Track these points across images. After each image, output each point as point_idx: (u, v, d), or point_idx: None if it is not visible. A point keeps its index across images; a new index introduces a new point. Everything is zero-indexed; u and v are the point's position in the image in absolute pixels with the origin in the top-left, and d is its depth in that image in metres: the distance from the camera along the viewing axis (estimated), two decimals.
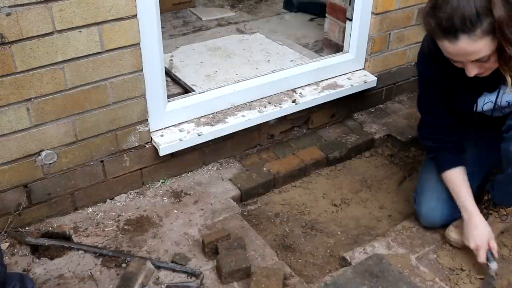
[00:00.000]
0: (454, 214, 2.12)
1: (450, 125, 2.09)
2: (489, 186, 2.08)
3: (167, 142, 2.27)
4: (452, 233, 2.09)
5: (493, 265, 1.93)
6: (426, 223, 2.16)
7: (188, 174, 2.47)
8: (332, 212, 2.41)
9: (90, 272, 1.94)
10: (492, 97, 1.93)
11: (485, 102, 1.95)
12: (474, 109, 1.96)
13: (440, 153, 2.10)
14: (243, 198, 2.41)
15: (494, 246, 1.95)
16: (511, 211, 2.09)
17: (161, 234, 2.12)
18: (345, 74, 2.83)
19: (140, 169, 2.32)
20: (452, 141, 2.09)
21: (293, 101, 2.58)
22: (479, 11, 1.56)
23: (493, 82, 1.85)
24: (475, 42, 1.60)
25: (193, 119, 2.41)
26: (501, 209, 2.08)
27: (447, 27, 1.61)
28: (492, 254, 1.94)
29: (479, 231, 1.97)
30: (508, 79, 1.75)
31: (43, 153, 2.01)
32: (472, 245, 1.97)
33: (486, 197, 2.12)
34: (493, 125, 1.96)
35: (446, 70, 1.88)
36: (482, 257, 1.94)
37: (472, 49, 1.62)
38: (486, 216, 2.08)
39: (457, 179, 2.06)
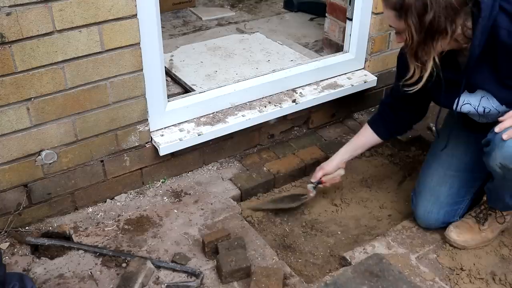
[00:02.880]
0: (450, 218, 2.13)
1: (407, 115, 2.24)
2: (486, 188, 2.08)
3: (167, 142, 2.27)
4: (452, 233, 2.09)
5: (309, 185, 2.31)
6: (421, 224, 2.17)
7: (188, 174, 2.47)
8: (332, 211, 2.41)
9: (90, 272, 1.94)
10: (472, 100, 1.93)
11: (464, 103, 1.95)
12: (452, 107, 1.98)
13: (381, 113, 2.29)
14: (243, 197, 2.41)
15: (317, 174, 2.28)
16: (509, 212, 2.10)
17: (161, 233, 2.12)
18: (345, 73, 2.83)
19: (140, 168, 2.32)
20: (396, 119, 2.24)
21: (293, 101, 2.58)
22: None
23: (471, 85, 1.88)
24: (386, 9, 1.74)
25: (193, 118, 2.41)
26: (497, 211, 2.09)
27: None
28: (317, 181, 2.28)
29: (325, 163, 2.31)
30: (416, 73, 1.81)
31: (43, 153, 2.01)
32: (317, 168, 2.31)
33: (485, 198, 2.12)
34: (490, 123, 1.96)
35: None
36: (313, 177, 2.30)
37: (385, 14, 1.77)
38: (485, 217, 2.09)
39: (361, 135, 2.32)
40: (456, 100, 1.92)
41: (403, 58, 1.90)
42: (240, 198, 2.40)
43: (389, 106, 2.25)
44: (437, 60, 1.74)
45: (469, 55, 1.77)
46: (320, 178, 2.28)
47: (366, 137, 2.30)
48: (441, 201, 2.12)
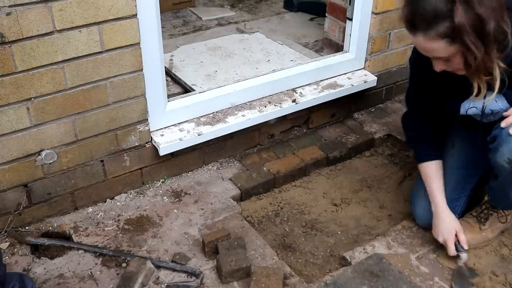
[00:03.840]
0: None
1: (434, 121, 2.13)
2: (488, 187, 2.08)
3: (167, 142, 2.27)
4: None
5: (464, 256, 1.97)
6: (420, 223, 2.17)
7: (188, 174, 2.47)
8: (332, 211, 2.41)
9: (90, 272, 1.94)
10: (477, 104, 1.91)
11: (470, 107, 1.94)
12: (458, 113, 1.96)
13: (420, 145, 2.16)
14: (243, 197, 2.41)
15: (462, 238, 1.98)
16: (510, 212, 2.10)
17: (161, 233, 2.12)
18: (345, 73, 2.83)
19: (140, 168, 2.32)
20: (433, 135, 2.13)
21: (293, 101, 2.58)
22: (438, 13, 1.56)
23: (478, 89, 1.79)
24: (430, 41, 1.61)
25: (193, 118, 2.41)
26: (500, 210, 2.09)
27: (409, 20, 1.64)
28: (461, 245, 1.98)
29: (446, 224, 2.01)
30: (483, 87, 1.74)
31: (43, 153, 2.01)
32: (440, 239, 2.01)
33: (486, 198, 2.12)
34: (487, 128, 1.96)
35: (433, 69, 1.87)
36: (451, 250, 1.97)
37: (429, 47, 1.65)
38: (486, 216, 2.09)
39: (432, 171, 2.09)
40: (468, 101, 1.90)
41: (420, 63, 1.86)
42: (240, 198, 2.40)
43: (420, 133, 2.15)
44: (500, 63, 1.65)
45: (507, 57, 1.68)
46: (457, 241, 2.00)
47: (432, 170, 2.10)
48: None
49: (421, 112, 2.13)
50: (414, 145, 2.20)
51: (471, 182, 2.14)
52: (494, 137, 1.80)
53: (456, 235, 1.99)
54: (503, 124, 1.76)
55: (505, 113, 1.78)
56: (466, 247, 1.98)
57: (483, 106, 1.90)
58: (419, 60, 1.94)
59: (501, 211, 2.08)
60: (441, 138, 2.17)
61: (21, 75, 1.83)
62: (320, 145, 2.71)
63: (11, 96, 1.84)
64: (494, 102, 1.87)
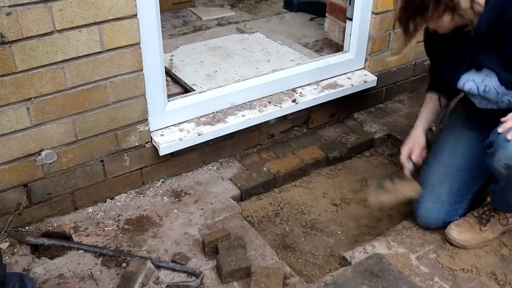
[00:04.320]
0: (451, 218, 2.13)
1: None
2: (490, 190, 2.08)
3: (167, 142, 2.27)
4: (452, 231, 2.09)
5: (409, 164, 2.18)
6: (421, 223, 2.17)
7: (188, 174, 2.47)
8: (332, 211, 2.41)
9: (90, 272, 1.94)
10: (477, 78, 1.93)
11: (468, 80, 1.96)
12: (456, 83, 1.99)
13: (431, 74, 2.33)
14: (243, 197, 2.41)
15: (415, 150, 2.17)
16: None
17: (161, 233, 2.12)
18: (345, 73, 2.83)
19: (140, 168, 2.32)
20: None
21: (293, 101, 2.58)
22: None
23: (476, 62, 1.89)
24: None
25: (193, 118, 2.41)
26: (502, 212, 2.09)
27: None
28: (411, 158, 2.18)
29: (411, 137, 2.22)
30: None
31: (43, 153, 2.01)
32: (402, 149, 2.21)
33: (488, 199, 2.12)
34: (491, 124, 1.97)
35: (442, 37, 1.91)
36: (403, 156, 2.19)
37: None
38: (488, 218, 2.09)
39: (428, 99, 2.29)
40: (468, 75, 1.94)
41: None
42: (240, 198, 2.40)
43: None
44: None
45: (475, 31, 1.77)
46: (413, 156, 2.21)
47: (432, 100, 2.26)
48: (441, 200, 2.12)
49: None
50: (429, 77, 2.36)
51: (476, 186, 2.14)
52: (491, 142, 1.80)
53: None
54: (500, 129, 1.76)
55: (502, 119, 1.78)
56: (414, 159, 2.18)
57: (481, 82, 1.91)
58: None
59: (502, 213, 2.08)
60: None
61: (21, 75, 1.83)
62: (320, 145, 2.71)
63: (11, 96, 1.84)
64: (489, 78, 1.89)
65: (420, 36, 1.81)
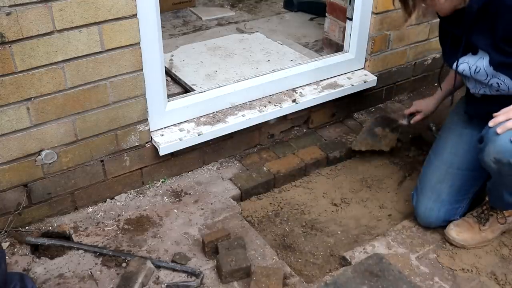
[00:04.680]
0: (451, 217, 2.13)
1: None
2: (487, 188, 2.09)
3: (167, 142, 2.27)
4: (452, 231, 2.09)
5: (404, 121, 2.60)
6: (421, 222, 2.17)
7: (188, 174, 2.47)
8: (332, 211, 2.41)
9: (90, 272, 1.94)
10: (471, 60, 1.96)
11: (462, 62, 1.99)
12: (454, 66, 2.03)
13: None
14: (243, 197, 2.41)
15: (418, 115, 2.50)
16: (510, 213, 2.10)
17: (161, 233, 2.12)
18: (345, 73, 2.83)
19: (140, 168, 2.32)
20: None
21: (293, 101, 2.58)
22: None
23: (471, 44, 1.93)
24: None
25: (193, 118, 2.41)
26: (500, 211, 2.09)
27: None
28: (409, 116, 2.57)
29: (424, 101, 2.54)
30: None
31: (43, 153, 2.01)
32: (412, 105, 2.56)
33: (487, 198, 2.12)
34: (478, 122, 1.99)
35: (445, 19, 2.00)
36: (407, 110, 2.58)
37: None
38: (486, 217, 2.09)
39: (447, 79, 2.41)
40: (465, 57, 1.98)
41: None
42: (240, 198, 2.40)
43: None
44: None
45: (467, 11, 1.81)
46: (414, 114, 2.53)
47: (451, 78, 2.32)
48: (442, 199, 2.11)
49: None
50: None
51: (476, 185, 2.15)
52: (482, 137, 1.81)
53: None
54: (490, 123, 1.77)
55: (494, 114, 1.78)
56: (412, 121, 2.55)
57: (474, 63, 1.95)
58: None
59: (500, 212, 2.08)
60: None
61: (21, 75, 1.83)
62: (320, 145, 2.71)
63: (11, 96, 1.84)
64: (481, 60, 1.92)
65: (419, 13, 1.87)
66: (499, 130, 1.72)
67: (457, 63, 1.99)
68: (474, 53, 1.95)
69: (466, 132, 2.17)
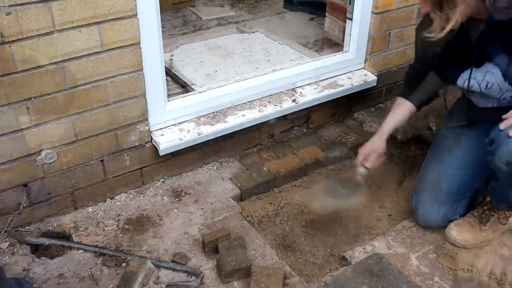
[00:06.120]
0: (450, 217, 2.13)
1: (435, 82, 2.17)
2: (489, 188, 2.09)
3: (167, 142, 2.27)
4: (452, 231, 2.09)
5: (361, 169, 2.15)
6: (421, 222, 2.17)
7: (188, 173, 2.47)
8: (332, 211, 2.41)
9: (90, 272, 1.94)
10: (477, 75, 1.90)
11: (468, 78, 1.93)
12: (461, 82, 1.96)
13: (409, 83, 2.25)
14: (243, 197, 2.41)
15: (371, 156, 2.13)
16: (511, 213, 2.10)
17: (161, 233, 2.12)
18: (345, 73, 2.83)
19: (140, 168, 2.32)
20: (426, 84, 2.19)
21: (293, 101, 2.58)
22: None
23: (481, 56, 1.84)
24: None
25: (193, 118, 2.41)
26: (501, 212, 2.09)
27: None
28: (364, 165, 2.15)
29: (372, 141, 2.17)
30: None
31: (43, 153, 2.01)
32: (359, 153, 2.18)
33: (488, 198, 2.12)
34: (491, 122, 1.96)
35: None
36: (358, 160, 2.16)
37: None
38: (487, 217, 2.09)
39: (400, 107, 2.20)
40: (468, 72, 1.91)
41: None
42: (240, 198, 2.40)
43: (415, 75, 2.25)
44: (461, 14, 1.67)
45: (486, 20, 1.73)
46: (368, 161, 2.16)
47: (403, 109, 2.19)
48: (441, 199, 2.11)
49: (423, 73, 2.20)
50: (405, 79, 2.31)
51: (475, 184, 2.14)
52: (492, 139, 1.80)
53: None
54: (501, 126, 1.76)
55: (504, 116, 1.77)
56: (368, 166, 2.14)
57: (482, 79, 1.88)
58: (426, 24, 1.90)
59: (502, 212, 2.08)
60: (432, 95, 2.23)
61: (21, 75, 1.83)
62: (320, 145, 2.71)
63: (11, 96, 1.84)
64: (491, 74, 1.86)
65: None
66: (511, 133, 1.72)
67: (469, 79, 1.93)
68: (478, 65, 1.90)
69: (464, 132, 2.17)
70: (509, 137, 1.72)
